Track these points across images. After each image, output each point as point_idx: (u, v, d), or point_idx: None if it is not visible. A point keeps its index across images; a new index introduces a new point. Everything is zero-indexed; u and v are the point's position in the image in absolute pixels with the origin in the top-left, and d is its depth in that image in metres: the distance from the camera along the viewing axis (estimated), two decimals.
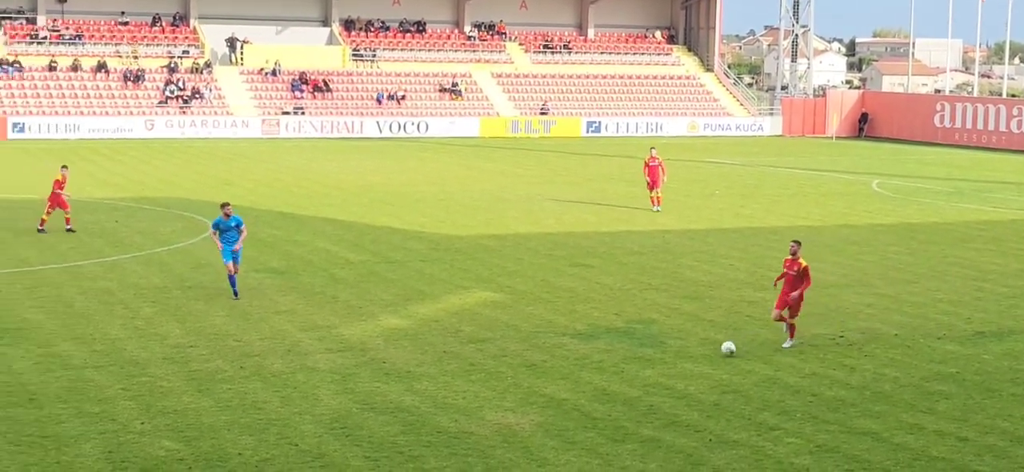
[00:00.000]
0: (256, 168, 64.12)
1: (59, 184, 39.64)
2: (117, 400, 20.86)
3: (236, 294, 29.18)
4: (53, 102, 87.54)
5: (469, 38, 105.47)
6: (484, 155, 76.06)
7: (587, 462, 18.09)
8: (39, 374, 22.42)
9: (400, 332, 26.38)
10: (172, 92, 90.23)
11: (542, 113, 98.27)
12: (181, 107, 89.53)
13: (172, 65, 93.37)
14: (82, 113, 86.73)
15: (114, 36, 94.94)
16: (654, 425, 19.99)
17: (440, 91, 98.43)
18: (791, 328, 25.65)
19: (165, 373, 22.67)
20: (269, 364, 23.39)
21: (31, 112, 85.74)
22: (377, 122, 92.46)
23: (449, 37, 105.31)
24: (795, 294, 25.22)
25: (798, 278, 25.25)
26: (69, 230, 39.32)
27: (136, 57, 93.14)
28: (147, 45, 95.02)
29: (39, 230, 39.07)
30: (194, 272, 33.10)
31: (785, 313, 25.55)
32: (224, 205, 29.89)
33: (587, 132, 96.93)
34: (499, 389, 21.95)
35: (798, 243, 25.86)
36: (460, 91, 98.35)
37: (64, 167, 40.94)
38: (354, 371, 23.07)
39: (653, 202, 47.56)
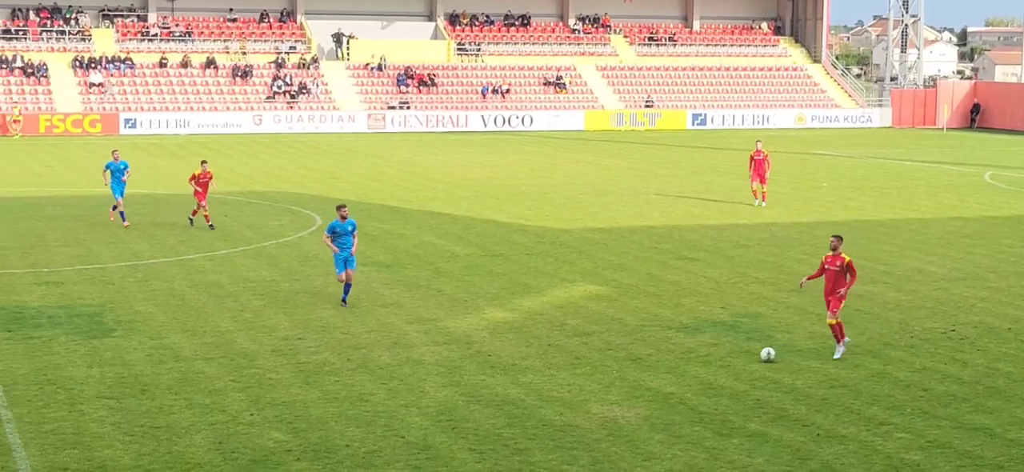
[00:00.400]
0: (362, 162, 64.62)
1: (204, 178, 39.37)
2: (227, 391, 21.13)
3: (345, 301, 28.00)
4: (163, 98, 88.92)
5: (573, 31, 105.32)
6: (589, 148, 75.93)
7: (693, 456, 17.97)
8: (151, 366, 22.78)
9: (505, 325, 26.41)
10: (279, 87, 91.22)
11: (647, 106, 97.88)
12: (288, 102, 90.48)
13: (279, 61, 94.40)
14: (191, 109, 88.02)
15: (223, 33, 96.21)
16: (761, 419, 19.80)
17: (545, 85, 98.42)
18: (837, 331, 23.93)
19: (273, 365, 22.92)
20: (375, 357, 23.54)
21: (142, 108, 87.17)
22: (482, 116, 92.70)
23: (554, 30, 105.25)
24: (842, 290, 23.66)
25: (841, 274, 23.66)
26: (192, 221, 39.75)
27: (244, 53, 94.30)
28: (255, 41, 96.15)
29: (210, 226, 39.18)
30: (302, 265, 33.42)
31: (829, 317, 23.87)
32: (340, 207, 28.30)
33: (692, 125, 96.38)
34: (604, 382, 21.89)
35: (839, 238, 24.21)
36: (565, 84, 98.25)
37: (203, 162, 40.66)
38: (459, 364, 23.14)
39: (755, 195, 46.97)
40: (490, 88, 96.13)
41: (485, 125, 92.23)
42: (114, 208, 40.01)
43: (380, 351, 23.90)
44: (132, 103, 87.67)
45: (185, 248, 35.94)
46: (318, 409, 20.13)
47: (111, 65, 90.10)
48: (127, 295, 29.21)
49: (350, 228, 27.81)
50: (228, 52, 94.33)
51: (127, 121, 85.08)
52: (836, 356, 23.63)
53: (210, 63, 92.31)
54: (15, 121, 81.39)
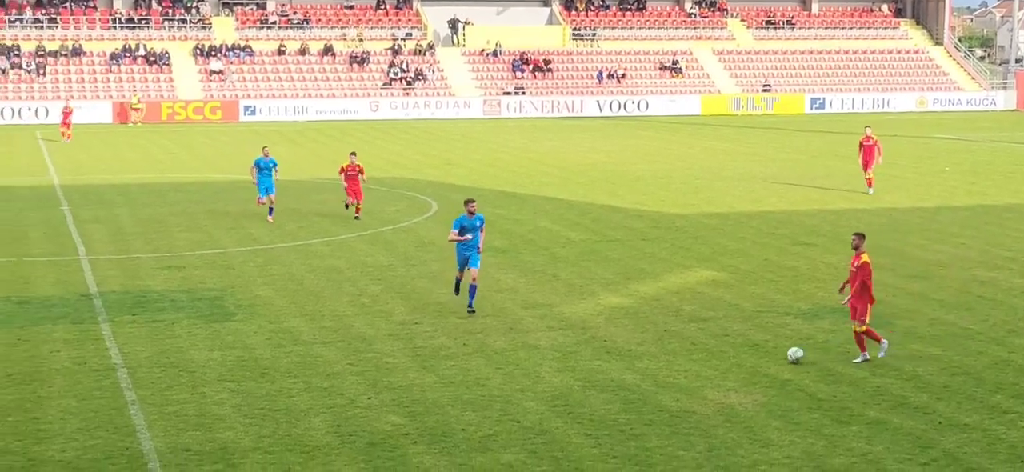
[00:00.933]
0: (477, 148, 64.84)
1: (351, 170, 38.52)
2: (345, 375, 21.34)
3: (472, 307, 25.88)
4: (282, 85, 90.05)
5: (690, 15, 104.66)
6: (705, 133, 75.44)
7: (811, 443, 17.77)
8: (271, 349, 23.09)
9: (621, 311, 26.34)
10: (396, 74, 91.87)
11: (764, 90, 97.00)
12: (404, 88, 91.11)
13: (396, 47, 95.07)
14: (309, 95, 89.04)
15: (340, 20, 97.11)
16: (881, 406, 19.52)
17: (660, 69, 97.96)
18: (859, 338, 22.02)
19: (391, 349, 23.10)
20: (491, 342, 23.62)
21: (261, 95, 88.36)
22: (597, 101, 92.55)
23: (670, 15, 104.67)
24: (852, 298, 21.84)
25: (861, 275, 21.76)
26: (350, 208, 38.94)
27: (361, 40, 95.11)
28: (371, 28, 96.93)
29: (355, 217, 38.52)
30: (418, 251, 33.64)
31: (856, 325, 21.96)
32: (468, 202, 26.34)
33: (811, 109, 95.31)
34: (721, 368, 21.74)
35: (859, 236, 22.17)
36: (681, 69, 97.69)
37: (352, 154, 39.67)
38: (575, 349, 23.13)
39: (868, 183, 45.90)
40: (605, 73, 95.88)
41: (600, 110, 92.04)
42: (261, 201, 38.66)
43: (496, 336, 23.98)
44: (251, 90, 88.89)
45: (304, 233, 36.37)
46: (434, 393, 20.25)
47: (231, 53, 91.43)
48: (247, 280, 29.63)
49: (478, 223, 26.03)
50: (345, 39, 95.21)
51: (246, 108, 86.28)
52: (855, 360, 21.97)
53: (327, 50, 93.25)
54: (134, 108, 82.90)
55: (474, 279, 25.81)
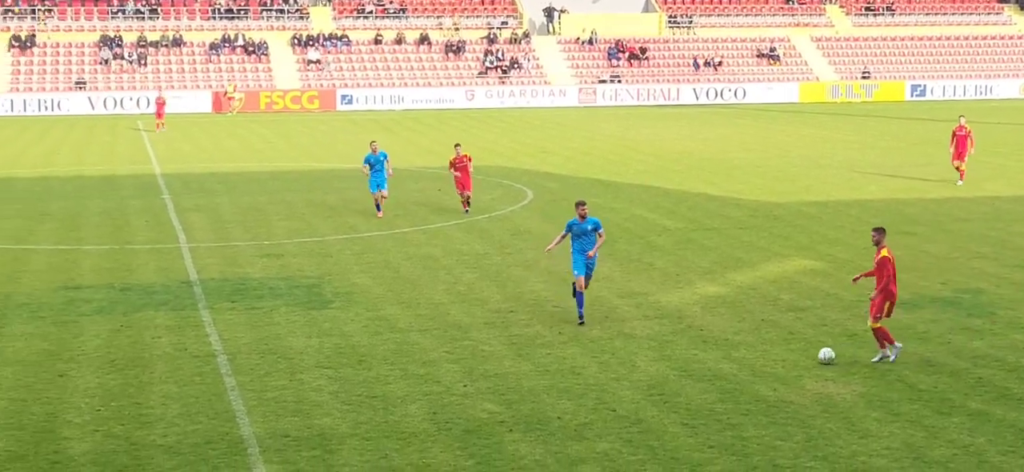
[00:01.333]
0: (573, 136, 64.79)
1: (460, 162, 37.65)
2: (441, 363, 21.43)
3: (582, 318, 24.00)
4: (379, 74, 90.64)
5: (787, 2, 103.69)
6: (803, 121, 74.74)
7: (911, 434, 17.54)
8: (368, 336, 23.25)
9: (717, 299, 26.18)
10: (491, 62, 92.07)
11: (864, 77, 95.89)
12: (500, 77, 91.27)
13: (491, 36, 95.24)
14: (405, 84, 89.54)
15: (436, 9, 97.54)
16: (983, 398, 19.21)
17: (758, 57, 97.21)
18: (878, 336, 21.06)
19: (486, 337, 23.15)
20: (587, 330, 23.58)
21: (358, 84, 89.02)
22: (693, 89, 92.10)
23: (767, 1, 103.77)
24: (876, 295, 20.97)
25: (877, 271, 20.99)
26: (462, 199, 38.10)
27: (457, 29, 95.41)
28: (467, 17, 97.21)
29: (465, 209, 37.90)
30: (513, 239, 33.69)
31: (871, 321, 21.03)
32: (579, 204, 24.30)
33: (912, 96, 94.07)
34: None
35: (878, 231, 21.25)
36: (778, 56, 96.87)
37: (457, 145, 38.96)
38: (671, 338, 23.03)
39: (960, 175, 44.52)
40: (702, 61, 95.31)
41: (697, 98, 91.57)
42: (376, 199, 37.69)
43: (591, 324, 23.93)
44: (348, 79, 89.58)
45: (400, 221, 36.56)
46: (530, 381, 20.27)
47: (328, 42, 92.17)
48: (344, 267, 29.86)
49: (590, 227, 23.95)
50: (441, 28, 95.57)
51: (343, 97, 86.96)
52: (873, 359, 21.08)
53: (424, 39, 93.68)
54: (230, 97, 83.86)
55: (580, 286, 23.90)
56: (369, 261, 30.64)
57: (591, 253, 23.86)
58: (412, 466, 16.43)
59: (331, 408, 18.86)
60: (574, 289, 24.16)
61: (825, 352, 21.24)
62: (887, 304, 20.99)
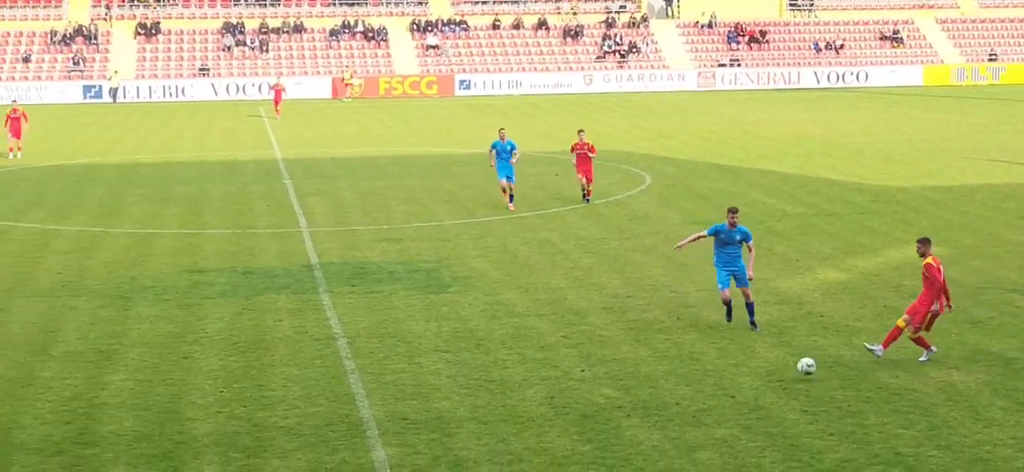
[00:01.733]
0: (692, 121, 64.40)
1: (581, 149, 36.79)
2: (558, 347, 21.43)
3: (754, 324, 22.45)
4: (496, 59, 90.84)
5: None
6: (927, 104, 73.50)
7: None
8: (486, 320, 23.33)
9: (838, 286, 25.86)
10: (609, 47, 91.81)
11: (991, 60, 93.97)
12: (618, 61, 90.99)
13: (609, 20, 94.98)
14: (523, 69, 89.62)
15: None
16: None
17: (881, 39, 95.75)
18: (918, 344, 20.20)
19: (604, 322, 23.11)
20: (705, 316, 23.43)
21: (476, 69, 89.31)
22: (814, 72, 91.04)
23: None
24: (920, 305, 20.07)
25: (928, 283, 20.05)
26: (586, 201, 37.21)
27: (575, 13, 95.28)
28: (585, 1, 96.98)
29: (585, 199, 37.15)
30: (631, 224, 33.58)
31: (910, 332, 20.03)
32: (732, 211, 22.62)
33: None
34: (943, 346, 21.13)
35: (922, 241, 20.28)
36: (902, 39, 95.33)
37: (580, 131, 38.11)
38: (791, 325, 22.79)
39: None
40: (823, 44, 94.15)
41: (818, 82, 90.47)
42: (505, 191, 36.49)
43: (710, 310, 23.76)
44: (466, 64, 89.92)
45: (518, 206, 36.58)
46: (648, 367, 20.20)
47: (446, 27, 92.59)
48: (462, 252, 30.00)
49: (738, 237, 22.32)
50: (559, 13, 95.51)
51: (462, 82, 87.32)
52: (880, 355, 20.22)
53: (541, 24, 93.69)
54: (347, 84, 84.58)
55: (747, 296, 22.33)
56: (487, 246, 30.74)
57: (750, 274, 22.35)
58: (529, 450, 16.45)
59: (449, 392, 18.96)
60: (727, 310, 22.55)
61: (804, 363, 19.56)
62: (929, 316, 20.10)
